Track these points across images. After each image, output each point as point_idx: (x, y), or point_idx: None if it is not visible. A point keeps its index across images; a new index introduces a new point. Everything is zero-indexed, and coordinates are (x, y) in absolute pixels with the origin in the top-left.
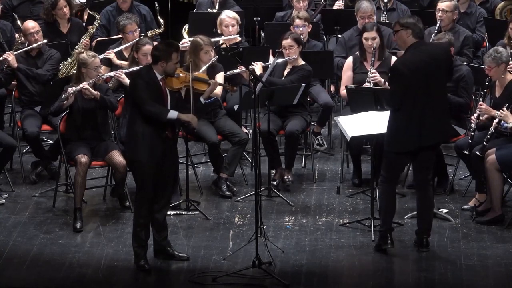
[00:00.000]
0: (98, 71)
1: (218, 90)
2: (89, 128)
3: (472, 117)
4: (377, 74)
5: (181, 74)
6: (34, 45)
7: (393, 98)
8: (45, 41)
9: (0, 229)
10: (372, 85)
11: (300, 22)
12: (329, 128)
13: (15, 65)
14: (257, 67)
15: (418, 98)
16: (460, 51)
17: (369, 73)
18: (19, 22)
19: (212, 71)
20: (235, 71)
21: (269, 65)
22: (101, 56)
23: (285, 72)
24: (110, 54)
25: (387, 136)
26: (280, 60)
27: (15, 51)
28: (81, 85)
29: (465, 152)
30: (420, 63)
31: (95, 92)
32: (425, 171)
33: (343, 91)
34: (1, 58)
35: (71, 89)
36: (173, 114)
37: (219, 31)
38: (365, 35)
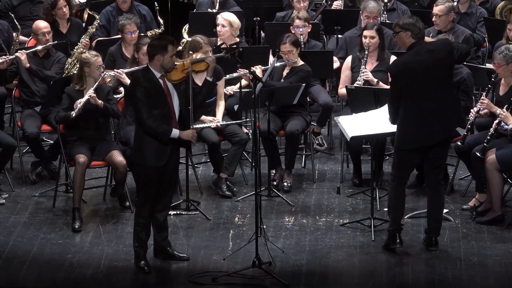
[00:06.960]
0: (101, 71)
1: (219, 90)
2: (90, 128)
3: (472, 111)
4: (369, 73)
5: (178, 63)
6: (48, 44)
7: (390, 99)
8: (55, 42)
9: (0, 229)
10: (363, 82)
11: (299, 22)
12: (329, 128)
13: (27, 65)
14: (257, 71)
15: (420, 96)
16: None
17: (360, 71)
18: (17, 23)
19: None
20: (235, 74)
21: (269, 66)
22: (111, 73)
23: (284, 73)
24: (122, 75)
25: (396, 134)
26: (278, 64)
27: (26, 51)
28: (86, 96)
29: (478, 154)
30: (417, 63)
31: (100, 101)
32: (436, 170)
33: (341, 90)
34: (13, 56)
35: (79, 102)
36: (175, 133)
37: None
38: (365, 33)
